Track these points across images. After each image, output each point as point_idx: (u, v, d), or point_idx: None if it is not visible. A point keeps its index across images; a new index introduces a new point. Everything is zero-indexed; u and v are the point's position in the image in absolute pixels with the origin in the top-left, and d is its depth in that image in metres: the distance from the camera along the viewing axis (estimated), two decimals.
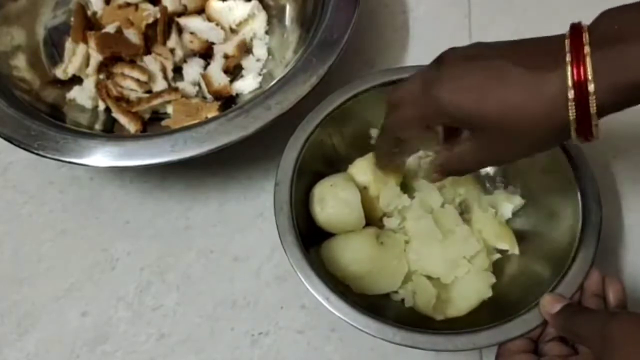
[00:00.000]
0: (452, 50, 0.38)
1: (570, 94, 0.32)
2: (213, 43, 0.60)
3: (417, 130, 0.39)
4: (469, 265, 0.46)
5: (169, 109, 0.57)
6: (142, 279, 0.52)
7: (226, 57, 0.59)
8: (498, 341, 0.41)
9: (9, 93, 0.53)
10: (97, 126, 0.56)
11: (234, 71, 0.60)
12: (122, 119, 0.56)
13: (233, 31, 0.62)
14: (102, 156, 0.48)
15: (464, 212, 0.50)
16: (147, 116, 0.57)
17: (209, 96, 0.58)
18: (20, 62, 0.58)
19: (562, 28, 0.70)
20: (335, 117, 0.50)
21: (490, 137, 0.36)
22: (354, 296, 0.46)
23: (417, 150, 0.48)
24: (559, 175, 0.46)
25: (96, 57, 0.57)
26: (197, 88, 0.59)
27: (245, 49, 0.61)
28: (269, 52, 0.61)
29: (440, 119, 0.38)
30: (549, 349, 0.41)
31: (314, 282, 0.42)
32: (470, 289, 0.46)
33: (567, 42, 0.33)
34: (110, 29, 0.58)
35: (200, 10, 0.62)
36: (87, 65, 0.58)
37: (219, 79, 0.58)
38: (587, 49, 0.32)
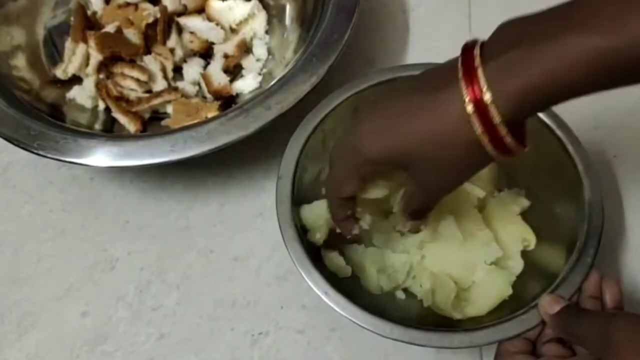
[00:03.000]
0: (363, 103, 0.40)
1: (469, 108, 0.32)
2: (213, 43, 0.60)
3: (354, 185, 0.40)
4: (488, 269, 0.46)
5: (169, 109, 0.57)
6: (142, 279, 0.52)
7: (226, 56, 0.59)
8: (495, 340, 0.41)
9: (9, 93, 0.53)
10: (97, 126, 0.56)
11: (234, 71, 0.60)
12: (122, 119, 0.56)
13: (233, 31, 0.62)
14: (102, 156, 0.48)
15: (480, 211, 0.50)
16: (147, 116, 0.57)
17: (209, 96, 0.58)
18: (20, 62, 0.58)
19: None
20: (337, 115, 0.50)
21: (420, 171, 0.36)
22: (355, 294, 0.45)
23: (369, 206, 0.46)
24: (562, 177, 0.46)
25: (96, 57, 0.57)
26: (197, 88, 0.59)
27: (245, 48, 0.61)
28: (269, 51, 0.61)
29: (367, 167, 0.38)
30: (547, 350, 0.41)
31: (314, 277, 0.42)
32: (490, 288, 0.46)
33: (459, 59, 0.33)
34: (110, 28, 0.58)
35: (200, 10, 0.62)
36: (87, 65, 0.58)
37: (219, 78, 0.58)
38: (477, 61, 0.32)
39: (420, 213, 0.41)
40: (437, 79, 0.34)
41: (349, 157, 0.38)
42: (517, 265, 0.47)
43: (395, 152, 0.36)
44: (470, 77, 0.32)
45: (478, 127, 0.32)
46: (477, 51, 0.33)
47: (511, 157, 0.33)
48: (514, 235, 0.48)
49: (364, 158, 0.37)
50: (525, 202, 0.49)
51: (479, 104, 0.31)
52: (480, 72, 0.32)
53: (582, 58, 0.29)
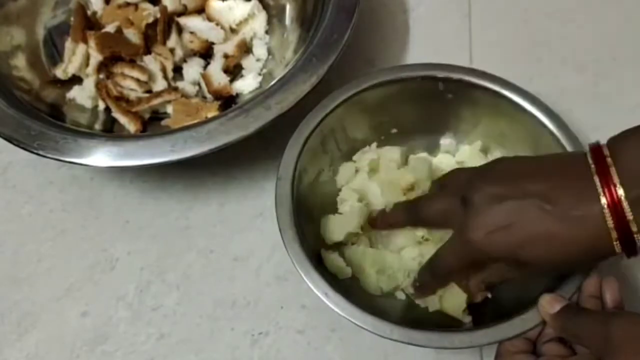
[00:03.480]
0: (477, 188, 0.39)
1: (614, 235, 0.34)
2: (213, 43, 0.60)
3: (462, 276, 0.43)
4: None
5: (169, 109, 0.57)
6: (142, 279, 0.52)
7: (226, 56, 0.59)
8: (495, 340, 0.41)
9: (9, 93, 0.53)
10: (97, 126, 0.56)
11: (234, 71, 0.60)
12: (122, 119, 0.56)
13: (233, 31, 0.62)
14: (102, 156, 0.48)
15: None
16: (147, 116, 0.57)
17: (208, 96, 0.58)
18: (20, 62, 0.58)
19: (562, 27, 0.70)
20: (337, 115, 0.50)
21: (532, 266, 0.38)
22: (355, 294, 0.46)
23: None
24: None
25: (96, 57, 0.57)
26: (197, 88, 0.59)
27: (245, 48, 0.61)
28: (269, 51, 0.61)
29: (476, 258, 0.39)
30: (547, 350, 0.41)
31: (313, 278, 0.42)
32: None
33: (595, 179, 0.35)
34: (110, 28, 0.58)
35: (200, 10, 0.62)
36: (87, 65, 0.58)
37: (219, 78, 0.58)
38: (620, 191, 0.34)
39: (496, 285, 0.44)
40: (564, 185, 0.36)
41: (466, 250, 0.39)
42: None
43: (512, 250, 0.37)
44: (605, 175, 0.34)
45: (611, 222, 0.34)
46: (606, 151, 0.35)
47: (629, 258, 0.36)
48: None
49: (478, 253, 0.38)
50: None
51: (613, 200, 0.34)
52: (613, 170, 0.34)
53: None
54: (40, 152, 0.48)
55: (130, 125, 0.55)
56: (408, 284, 0.47)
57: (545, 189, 0.36)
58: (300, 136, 0.48)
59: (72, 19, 0.59)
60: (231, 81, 0.59)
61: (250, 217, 0.54)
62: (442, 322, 0.44)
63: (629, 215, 0.33)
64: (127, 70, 0.57)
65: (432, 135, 0.54)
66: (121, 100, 0.56)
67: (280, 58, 0.60)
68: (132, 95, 0.57)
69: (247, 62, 0.61)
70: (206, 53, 0.60)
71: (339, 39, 0.52)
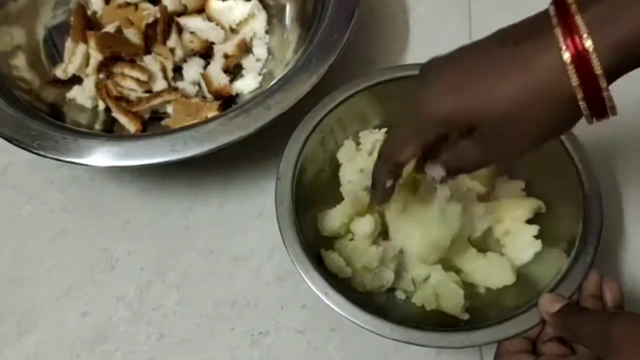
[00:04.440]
0: (433, 58, 0.35)
1: (566, 57, 0.29)
2: (213, 43, 0.60)
3: (415, 150, 0.37)
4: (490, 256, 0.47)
5: (169, 109, 0.57)
6: (142, 279, 0.52)
7: (226, 56, 0.59)
8: (495, 339, 0.41)
9: (9, 93, 0.53)
10: (97, 126, 0.56)
11: (234, 71, 0.60)
12: (122, 119, 0.56)
13: (233, 31, 0.62)
14: (102, 156, 0.48)
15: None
16: (147, 116, 0.57)
17: (209, 96, 0.58)
18: (20, 62, 0.58)
19: None
20: (337, 114, 0.50)
21: (491, 133, 0.33)
22: (355, 294, 0.46)
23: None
24: (562, 176, 0.46)
25: (96, 57, 0.57)
26: (197, 88, 0.59)
27: (245, 48, 0.61)
28: (269, 51, 0.61)
29: (437, 129, 0.35)
30: (547, 349, 0.41)
31: (313, 277, 0.42)
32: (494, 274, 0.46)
33: (551, 7, 0.30)
34: (110, 28, 0.58)
35: (200, 10, 0.62)
36: (87, 64, 0.58)
37: (219, 78, 0.58)
38: (574, 8, 0.29)
39: (462, 172, 0.39)
40: (524, 30, 0.31)
41: (419, 118, 0.35)
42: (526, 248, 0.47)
43: (469, 113, 0.32)
44: (568, 25, 0.29)
45: (575, 79, 0.29)
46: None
47: (598, 121, 0.31)
48: (520, 215, 0.48)
49: (432, 121, 0.34)
50: (521, 185, 0.49)
51: (578, 53, 0.29)
52: (579, 19, 0.29)
53: None
54: (40, 152, 0.48)
55: (130, 125, 0.55)
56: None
57: (503, 50, 0.32)
58: (300, 136, 0.48)
59: (72, 19, 0.59)
60: (231, 81, 0.59)
61: (250, 217, 0.54)
62: (441, 321, 0.44)
63: (597, 69, 0.29)
64: (127, 70, 0.57)
65: None
66: (121, 100, 0.56)
67: (280, 58, 0.60)
68: (132, 95, 0.57)
69: (247, 62, 0.61)
70: (206, 53, 0.60)
71: (339, 39, 0.52)
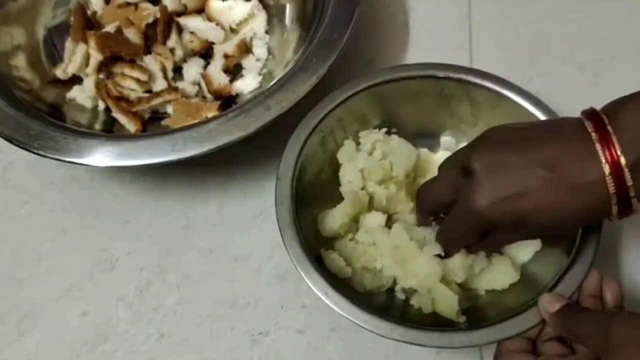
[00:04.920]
0: (477, 157, 0.38)
1: (614, 200, 0.35)
2: (213, 43, 0.60)
3: (473, 238, 0.42)
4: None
5: (169, 109, 0.57)
6: (142, 279, 0.52)
7: (226, 56, 0.59)
8: (495, 339, 0.41)
9: (9, 93, 0.53)
10: (97, 126, 0.56)
11: (234, 71, 0.60)
12: (122, 119, 0.56)
13: (233, 31, 0.62)
14: (102, 156, 0.48)
15: None
16: (147, 116, 0.57)
17: (209, 96, 0.58)
18: (20, 62, 0.58)
19: (561, 27, 0.70)
20: (337, 114, 0.50)
21: (530, 230, 0.39)
22: (355, 294, 0.45)
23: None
24: None
25: (96, 57, 0.57)
26: (197, 88, 0.59)
27: (245, 48, 0.61)
28: (269, 51, 0.61)
29: (483, 227, 0.40)
30: (547, 349, 0.41)
31: (313, 277, 0.42)
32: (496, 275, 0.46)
33: (587, 123, 0.36)
34: (110, 28, 0.58)
35: (200, 10, 0.62)
36: (87, 64, 0.58)
37: (219, 78, 0.58)
38: (622, 160, 0.35)
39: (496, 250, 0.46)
40: (564, 138, 0.37)
41: (470, 220, 0.40)
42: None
43: (517, 217, 0.37)
44: (607, 143, 0.35)
45: (612, 188, 0.35)
46: (605, 119, 0.36)
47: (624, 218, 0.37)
48: None
49: (483, 221, 0.39)
50: None
51: (615, 167, 0.35)
52: (614, 138, 0.35)
53: None
54: (40, 152, 0.48)
55: (130, 125, 0.55)
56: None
57: (548, 156, 0.36)
58: (300, 136, 0.48)
59: (72, 19, 0.59)
60: (231, 81, 0.59)
61: (250, 217, 0.54)
62: (439, 322, 0.44)
63: (629, 181, 0.35)
64: (127, 70, 0.57)
65: (432, 135, 0.54)
66: (121, 100, 0.56)
67: (280, 58, 0.60)
68: (132, 95, 0.57)
69: (247, 62, 0.61)
70: (206, 53, 0.60)
71: (339, 39, 0.52)
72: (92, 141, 0.49)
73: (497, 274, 0.46)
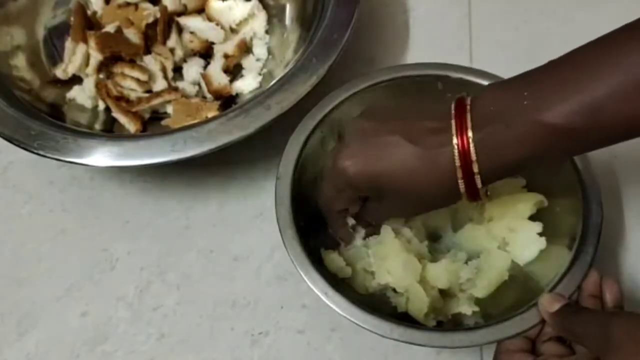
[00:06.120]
0: (352, 122, 0.43)
1: (459, 174, 0.37)
2: (213, 43, 0.60)
3: (343, 203, 0.45)
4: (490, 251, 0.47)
5: (169, 109, 0.57)
6: (142, 278, 0.52)
7: (226, 56, 0.59)
8: (495, 339, 0.41)
9: (9, 93, 0.53)
10: (97, 126, 0.56)
11: (234, 71, 0.60)
12: (122, 119, 0.56)
13: (233, 31, 0.62)
14: (102, 156, 0.48)
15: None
16: (147, 116, 0.57)
17: (209, 96, 0.58)
18: (20, 62, 0.58)
19: (561, 27, 0.70)
20: (337, 114, 0.50)
21: (389, 197, 0.41)
22: (355, 294, 0.46)
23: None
24: (562, 175, 0.46)
25: (96, 57, 0.57)
26: (197, 88, 0.59)
27: (245, 48, 0.61)
28: (269, 51, 0.61)
29: (349, 188, 0.42)
30: (547, 349, 0.41)
31: (313, 277, 0.42)
32: (490, 271, 0.46)
33: (452, 122, 0.37)
34: (110, 28, 0.58)
35: (200, 10, 0.62)
36: (87, 64, 0.58)
37: (219, 78, 0.58)
38: (469, 133, 0.36)
39: (373, 225, 0.47)
40: (429, 135, 0.39)
41: (336, 178, 0.42)
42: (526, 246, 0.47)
43: (373, 179, 0.40)
44: (463, 147, 0.37)
45: (463, 186, 0.38)
46: (468, 120, 0.37)
47: (472, 202, 0.39)
48: (521, 210, 0.47)
49: (345, 180, 0.41)
50: (522, 181, 0.49)
51: (467, 171, 0.37)
52: (472, 145, 0.36)
53: (535, 137, 0.35)
54: (40, 152, 0.48)
55: (130, 125, 0.55)
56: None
57: (410, 128, 0.39)
58: (300, 136, 0.48)
59: (72, 19, 0.59)
60: (231, 81, 0.59)
61: (250, 217, 0.54)
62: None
63: (473, 156, 0.36)
64: (127, 70, 0.57)
65: None
66: (121, 100, 0.56)
67: (280, 58, 0.60)
68: (132, 95, 0.57)
69: (247, 62, 0.61)
70: (206, 53, 0.60)
71: (339, 39, 0.52)
72: (92, 141, 0.49)
73: (485, 281, 0.45)
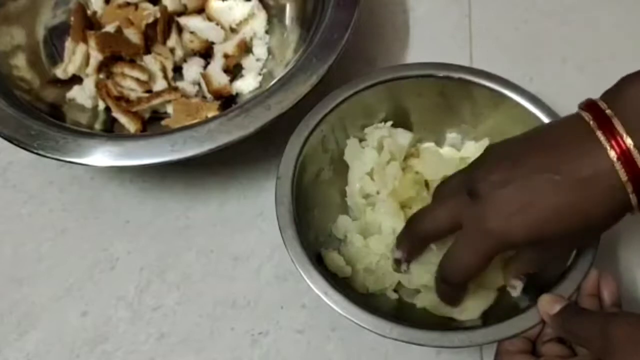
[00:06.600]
0: (479, 178, 0.37)
1: (629, 188, 0.33)
2: (213, 42, 0.60)
3: (483, 268, 0.39)
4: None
5: (169, 109, 0.57)
6: (142, 278, 0.52)
7: (226, 56, 0.59)
8: (495, 339, 0.41)
9: (9, 93, 0.53)
10: (97, 126, 0.56)
11: (234, 71, 0.60)
12: (122, 119, 0.56)
13: (233, 31, 0.62)
14: (102, 156, 0.48)
15: None
16: (147, 116, 0.57)
17: (209, 96, 0.58)
18: (20, 62, 0.58)
19: (561, 27, 0.70)
20: (338, 114, 0.50)
21: (555, 243, 0.37)
22: (355, 294, 0.45)
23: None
24: None
25: (96, 57, 0.57)
26: (197, 87, 0.59)
27: (245, 48, 0.61)
28: (269, 51, 0.61)
29: (499, 249, 0.37)
30: (547, 349, 0.41)
31: (313, 277, 0.42)
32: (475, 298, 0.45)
33: (584, 114, 0.34)
34: (110, 28, 0.58)
35: (200, 10, 0.62)
36: (87, 64, 0.58)
37: (219, 78, 0.58)
38: (628, 140, 0.32)
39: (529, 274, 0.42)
40: (563, 136, 0.35)
41: (483, 242, 0.37)
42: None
43: (536, 231, 0.35)
44: (609, 128, 0.32)
45: (624, 175, 0.32)
46: (603, 104, 0.33)
47: None
48: None
49: (501, 240, 0.36)
50: None
51: (622, 152, 0.32)
52: (616, 121, 0.32)
53: None
54: (40, 152, 0.48)
55: (130, 125, 0.55)
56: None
57: (549, 160, 0.35)
58: (300, 135, 0.48)
59: (72, 19, 0.59)
60: (231, 81, 0.59)
61: (250, 216, 0.54)
62: (436, 320, 0.44)
63: None
64: (127, 70, 0.57)
65: (432, 135, 0.54)
66: (121, 100, 0.56)
67: (281, 58, 0.60)
68: (132, 95, 0.57)
69: (247, 62, 0.61)
70: (206, 53, 0.60)
71: (339, 39, 0.52)
72: (92, 141, 0.49)
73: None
